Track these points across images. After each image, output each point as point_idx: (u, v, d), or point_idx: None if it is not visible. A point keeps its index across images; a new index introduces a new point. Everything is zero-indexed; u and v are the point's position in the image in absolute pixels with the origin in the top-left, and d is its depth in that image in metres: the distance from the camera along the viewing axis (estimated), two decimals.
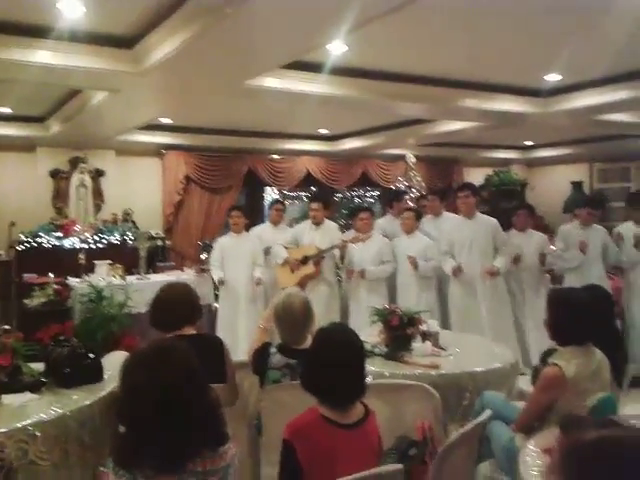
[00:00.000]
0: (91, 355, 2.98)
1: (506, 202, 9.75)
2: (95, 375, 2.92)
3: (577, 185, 10.95)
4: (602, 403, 2.45)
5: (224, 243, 5.95)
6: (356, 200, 11.18)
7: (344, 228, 6.98)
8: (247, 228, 6.08)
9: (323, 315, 5.80)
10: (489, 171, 11.07)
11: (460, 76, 5.63)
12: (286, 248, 5.79)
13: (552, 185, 11.39)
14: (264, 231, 6.28)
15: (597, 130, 8.16)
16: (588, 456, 1.21)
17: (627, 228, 5.39)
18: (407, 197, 6.65)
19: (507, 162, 11.44)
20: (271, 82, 4.96)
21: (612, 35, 4.35)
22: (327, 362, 2.05)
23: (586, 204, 5.73)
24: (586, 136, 9.26)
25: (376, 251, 5.53)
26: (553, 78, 5.65)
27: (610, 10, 3.84)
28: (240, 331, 5.69)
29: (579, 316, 2.57)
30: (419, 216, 5.71)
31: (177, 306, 2.85)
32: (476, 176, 10.97)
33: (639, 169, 10.62)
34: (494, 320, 5.15)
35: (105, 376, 2.93)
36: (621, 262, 5.45)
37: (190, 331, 2.85)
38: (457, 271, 5.23)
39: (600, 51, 4.78)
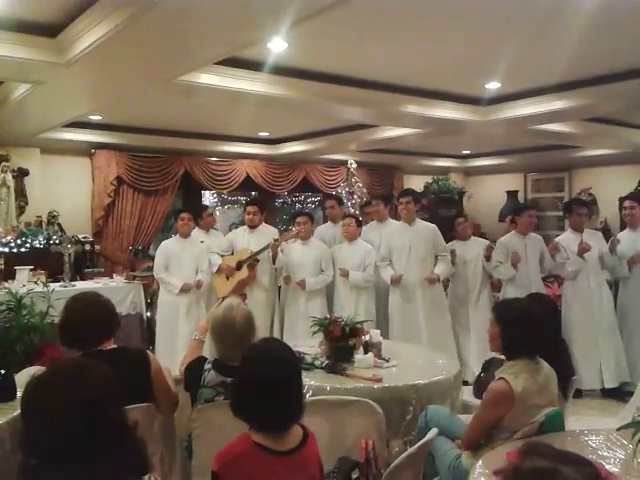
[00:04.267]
0: (1, 371, 2.70)
1: (445, 210, 9.84)
2: (6, 394, 2.64)
3: (512, 194, 11.17)
4: (550, 419, 2.36)
5: (169, 247, 5.63)
6: (297, 206, 11.02)
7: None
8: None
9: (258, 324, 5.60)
10: (428, 179, 11.17)
11: (402, 81, 5.55)
12: (222, 256, 5.58)
13: (488, 194, 11.58)
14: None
15: (532, 140, 8.31)
16: None
17: (566, 237, 5.37)
18: (333, 201, 6.31)
19: (446, 170, 11.57)
20: (207, 79, 4.70)
21: (552, 45, 4.37)
22: (259, 383, 1.82)
23: (525, 208, 5.71)
24: (521, 146, 9.44)
25: (314, 257, 5.37)
26: (493, 86, 5.67)
27: (552, 20, 3.83)
28: (179, 342, 5.35)
29: (532, 330, 2.46)
30: (359, 223, 5.54)
31: (87, 322, 2.49)
32: (416, 183, 11.03)
33: (572, 179, 10.94)
34: (432, 329, 5.08)
35: (18, 394, 2.63)
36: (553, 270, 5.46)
37: (109, 345, 2.56)
38: (396, 280, 5.14)
39: (539, 60, 4.80)
